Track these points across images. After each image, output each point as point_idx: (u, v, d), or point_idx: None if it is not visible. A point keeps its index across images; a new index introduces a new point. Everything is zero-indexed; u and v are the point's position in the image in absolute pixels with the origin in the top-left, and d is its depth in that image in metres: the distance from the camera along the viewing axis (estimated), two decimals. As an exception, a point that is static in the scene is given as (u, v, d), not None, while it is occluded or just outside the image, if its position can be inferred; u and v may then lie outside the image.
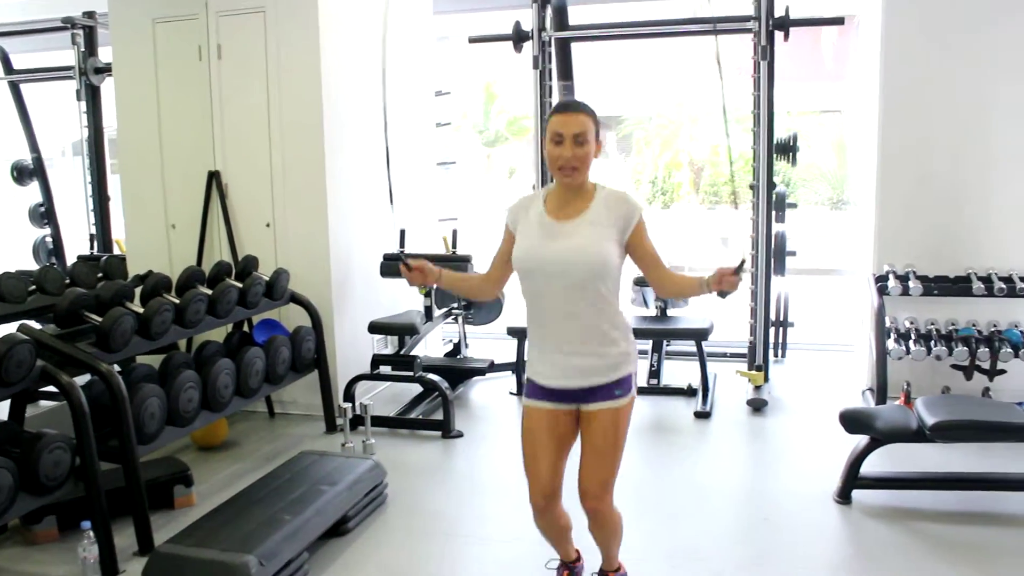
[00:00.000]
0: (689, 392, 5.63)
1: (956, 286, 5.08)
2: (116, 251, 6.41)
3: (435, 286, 5.49)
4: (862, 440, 3.84)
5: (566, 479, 2.89)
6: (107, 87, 6.51)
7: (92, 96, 6.54)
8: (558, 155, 2.69)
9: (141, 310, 3.80)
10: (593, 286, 2.71)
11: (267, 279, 4.72)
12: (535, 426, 2.86)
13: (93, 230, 6.59)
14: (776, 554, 3.47)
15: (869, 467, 3.86)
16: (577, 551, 3.15)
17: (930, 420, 3.61)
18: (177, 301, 4.02)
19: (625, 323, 2.84)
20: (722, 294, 2.70)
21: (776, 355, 6.35)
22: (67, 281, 4.96)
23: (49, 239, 6.94)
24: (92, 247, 6.57)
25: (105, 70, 6.41)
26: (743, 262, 2.69)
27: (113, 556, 3.32)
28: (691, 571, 3.34)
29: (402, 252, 5.59)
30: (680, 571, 3.35)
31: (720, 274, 2.68)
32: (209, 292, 4.24)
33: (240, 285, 4.48)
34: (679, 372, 6.06)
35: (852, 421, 3.85)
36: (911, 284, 5.03)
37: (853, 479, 3.83)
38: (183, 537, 3.14)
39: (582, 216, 2.74)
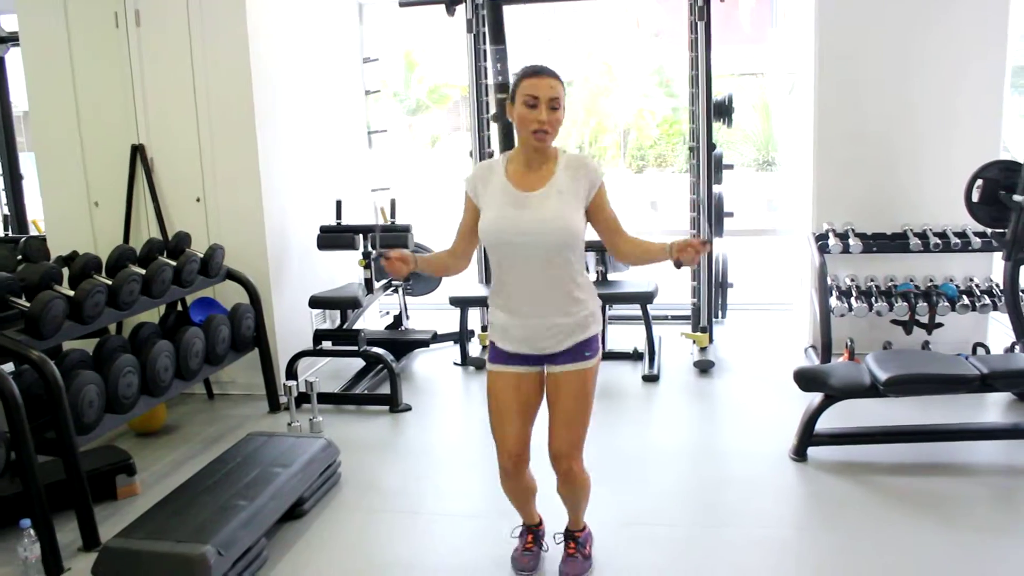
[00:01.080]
0: (635, 356, 5.63)
1: (894, 243, 5.16)
2: (34, 232, 6.08)
3: (373, 257, 5.44)
4: (816, 397, 3.87)
5: (534, 442, 2.88)
6: (13, 58, 6.14)
7: (-4, 65, 6.16)
8: (533, 118, 2.65)
9: (71, 293, 3.58)
10: (561, 255, 2.71)
11: (201, 256, 4.52)
12: (501, 390, 2.84)
13: (6, 211, 6.24)
14: (735, 513, 3.48)
15: (821, 424, 3.90)
16: (539, 516, 3.15)
17: (883, 375, 3.66)
18: (109, 282, 3.80)
19: (590, 284, 2.84)
20: (679, 264, 2.68)
21: (717, 316, 6.39)
22: (-16, 265, 4.71)
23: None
24: (6, 228, 6.22)
25: (10, 39, 6.04)
26: (706, 242, 2.70)
27: (57, 553, 3.14)
28: (649, 534, 3.33)
29: (339, 223, 5.44)
30: (638, 535, 3.33)
31: (685, 244, 2.66)
32: (142, 272, 4.03)
33: (174, 263, 4.27)
34: (621, 336, 6.05)
35: (807, 379, 3.88)
36: (851, 242, 5.10)
37: (808, 436, 3.86)
38: (133, 530, 2.98)
39: (548, 185, 2.72)
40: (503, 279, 2.78)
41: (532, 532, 3.13)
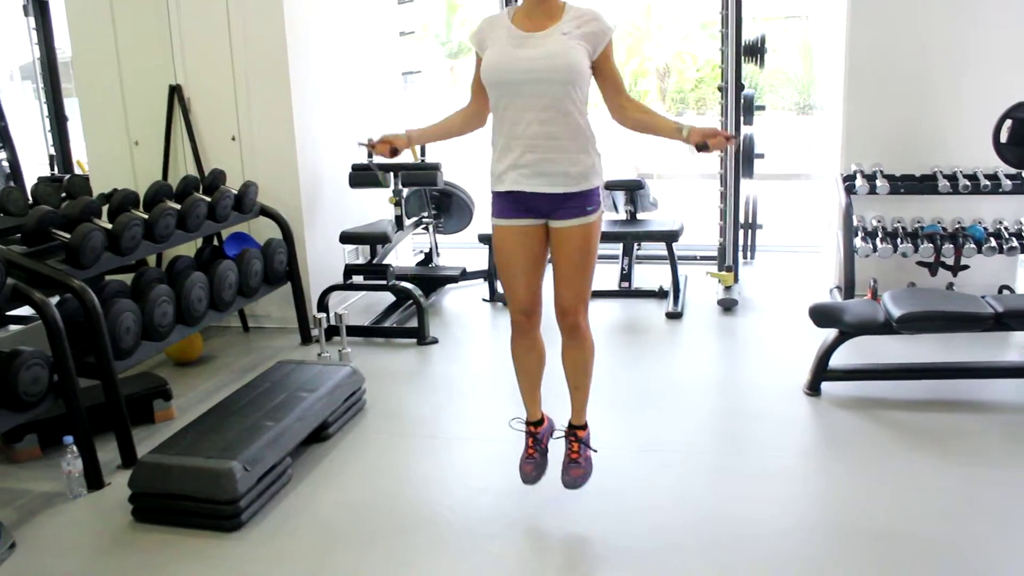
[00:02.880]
0: (660, 294, 5.70)
1: (922, 184, 5.14)
2: (78, 172, 6.28)
3: (404, 195, 5.54)
4: (831, 333, 3.93)
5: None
6: (56, 2, 6.28)
7: (41, 12, 6.30)
8: None
9: (110, 226, 3.75)
10: (564, 92, 2.74)
11: (235, 192, 4.66)
12: (506, 244, 2.92)
13: (52, 151, 6.44)
14: (748, 443, 3.59)
15: (837, 360, 3.96)
16: (543, 414, 3.21)
17: (896, 312, 3.70)
18: (146, 216, 3.97)
19: (593, 135, 2.86)
20: (701, 147, 2.74)
21: (745, 257, 6.42)
22: (30, 202, 4.91)
23: (5, 163, 6.76)
24: (53, 168, 6.42)
25: (53, -18, 6.17)
26: (734, 137, 2.72)
27: (98, 469, 3.35)
28: (664, 460, 3.44)
29: (371, 162, 5.53)
30: (652, 460, 3.45)
31: (712, 131, 2.73)
32: (178, 207, 4.19)
33: (208, 199, 4.43)
34: (650, 275, 6.12)
35: (821, 315, 3.93)
36: (878, 183, 5.09)
37: (822, 371, 3.93)
38: (166, 447, 3.18)
39: (553, 27, 2.77)
40: (506, 122, 2.81)
41: (532, 435, 3.14)
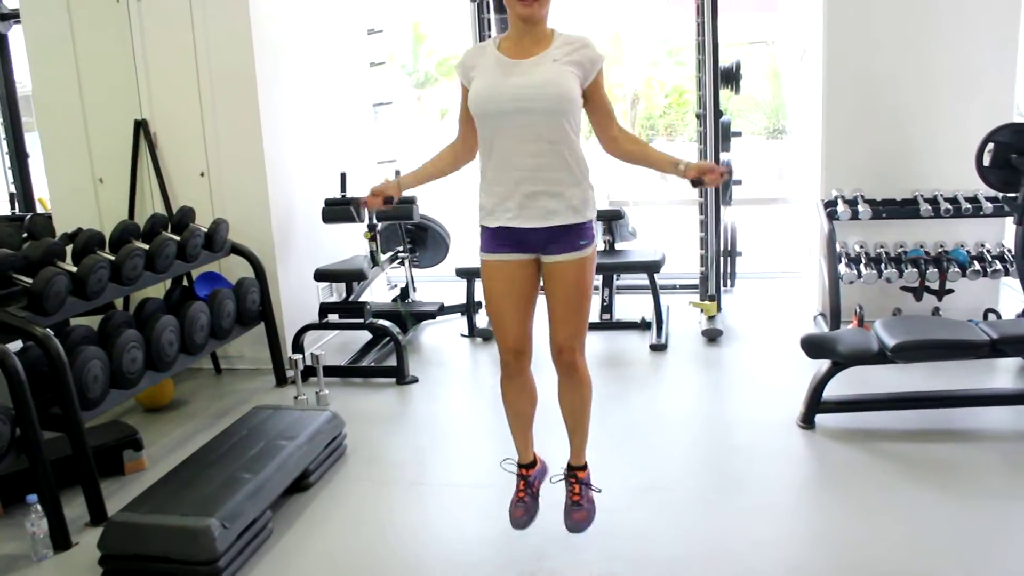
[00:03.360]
0: (643, 325, 5.61)
1: (904, 208, 5.11)
2: (40, 210, 6.08)
3: (379, 229, 5.41)
4: (823, 364, 3.84)
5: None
6: (16, 35, 6.11)
7: (0, 44, 6.12)
8: None
9: (74, 269, 3.58)
10: (555, 122, 2.64)
11: (205, 230, 4.50)
12: (495, 281, 2.80)
13: (12, 189, 6.24)
14: (744, 480, 3.46)
15: (829, 391, 3.87)
16: (535, 455, 3.09)
17: (891, 341, 3.62)
18: (112, 258, 3.80)
19: (586, 166, 2.75)
20: (697, 183, 2.67)
21: (725, 285, 6.35)
22: (-11, 242, 4.71)
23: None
24: (13, 207, 6.22)
25: (11, 16, 6.01)
26: (729, 173, 2.66)
27: (64, 529, 3.15)
28: (659, 500, 3.31)
29: (344, 196, 5.40)
30: (646, 501, 3.31)
31: (709, 167, 2.67)
32: (146, 247, 4.02)
33: (178, 238, 4.27)
34: (630, 306, 6.03)
35: (813, 346, 3.84)
36: (860, 208, 5.05)
37: (816, 403, 3.84)
38: (138, 504, 2.99)
39: (543, 53, 2.67)
40: (495, 155, 2.70)
41: (523, 479, 3.04)
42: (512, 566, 2.92)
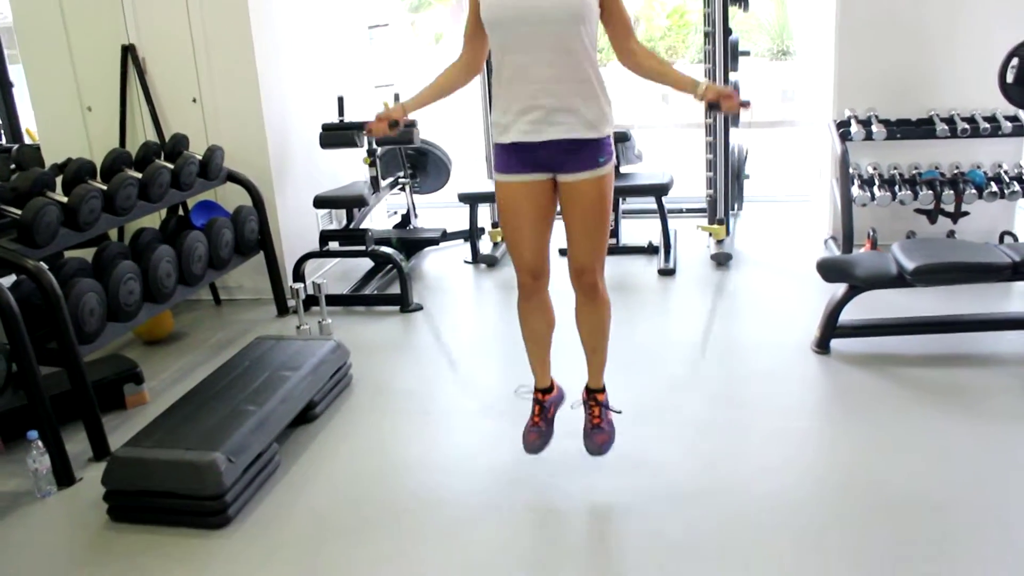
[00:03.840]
0: (650, 250, 5.50)
1: (919, 128, 4.95)
2: (28, 141, 5.90)
3: (379, 154, 5.27)
4: (839, 288, 3.74)
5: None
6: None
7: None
8: None
9: (65, 199, 3.44)
10: (573, 30, 2.51)
11: (200, 158, 4.36)
12: (511, 202, 2.71)
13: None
14: (755, 406, 3.40)
15: (844, 316, 3.78)
16: (552, 380, 3.04)
17: (910, 264, 3.51)
18: (105, 187, 3.66)
19: (602, 81, 2.64)
20: (713, 107, 2.56)
21: (734, 208, 6.22)
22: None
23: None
24: (0, 138, 6.04)
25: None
26: (747, 104, 2.55)
27: (67, 464, 3.09)
28: (667, 427, 3.25)
29: (341, 120, 5.24)
30: (654, 427, 3.25)
31: (728, 93, 2.55)
32: (139, 176, 3.88)
33: (171, 166, 4.12)
34: (637, 231, 5.91)
35: (830, 269, 3.74)
36: (874, 129, 4.89)
37: (832, 328, 3.75)
38: (142, 438, 2.92)
39: None
40: (508, 67, 2.58)
41: (539, 403, 2.99)
42: (520, 493, 2.87)
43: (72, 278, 3.31)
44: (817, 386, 3.58)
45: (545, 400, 3.01)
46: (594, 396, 2.99)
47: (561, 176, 2.65)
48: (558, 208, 2.74)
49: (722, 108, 2.57)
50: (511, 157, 2.66)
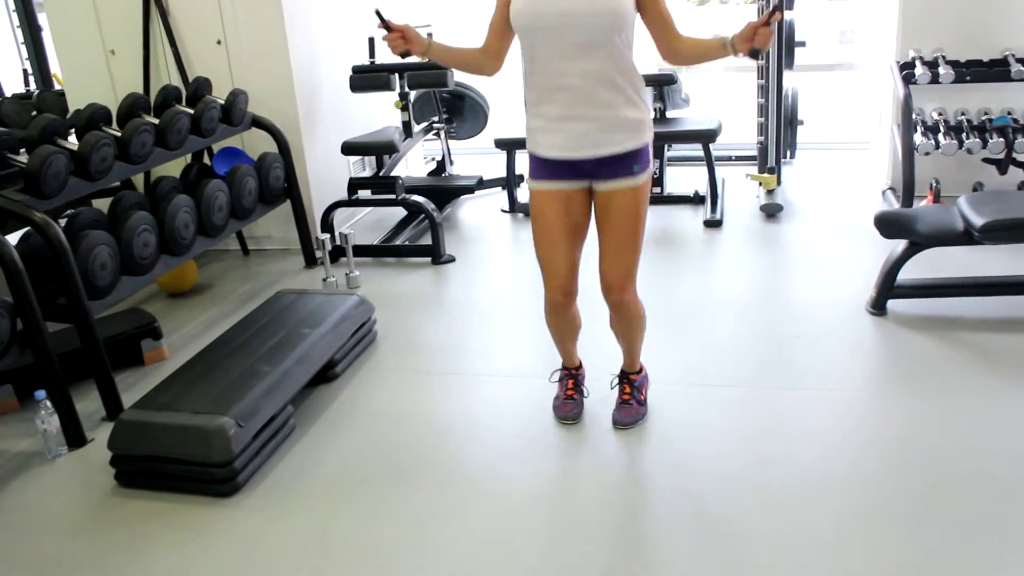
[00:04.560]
0: (696, 200, 5.23)
1: (991, 70, 4.59)
2: (57, 87, 5.77)
3: (412, 98, 5.04)
4: (899, 245, 3.46)
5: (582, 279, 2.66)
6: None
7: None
8: None
9: (76, 147, 3.29)
10: (606, 39, 2.33)
11: (222, 102, 4.17)
12: (545, 211, 2.56)
13: (27, 66, 5.92)
14: (803, 372, 3.15)
15: (903, 275, 3.50)
16: (579, 359, 2.98)
17: (979, 220, 3.21)
18: (119, 133, 3.50)
19: (641, 85, 2.48)
20: (755, 53, 2.32)
21: (785, 156, 5.90)
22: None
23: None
24: (27, 84, 5.92)
25: None
26: (776, 8, 2.27)
27: (77, 425, 2.97)
28: (709, 394, 3.03)
29: (372, 63, 5.02)
30: (698, 395, 3.04)
31: (751, 28, 2.29)
32: (155, 121, 3.71)
33: (191, 111, 3.95)
34: (682, 179, 5.63)
35: (889, 224, 3.46)
36: (941, 71, 4.54)
37: (889, 287, 3.48)
38: (150, 400, 2.78)
39: None
40: (540, 75, 2.42)
41: (572, 377, 2.94)
42: (549, 463, 2.69)
43: (83, 231, 3.16)
44: (871, 351, 3.32)
45: (578, 375, 2.97)
46: (627, 376, 2.91)
47: (596, 184, 2.51)
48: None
49: (758, 44, 2.30)
50: (545, 166, 2.51)
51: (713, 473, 2.57)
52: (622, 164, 2.45)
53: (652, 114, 2.49)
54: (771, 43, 2.39)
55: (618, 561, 2.22)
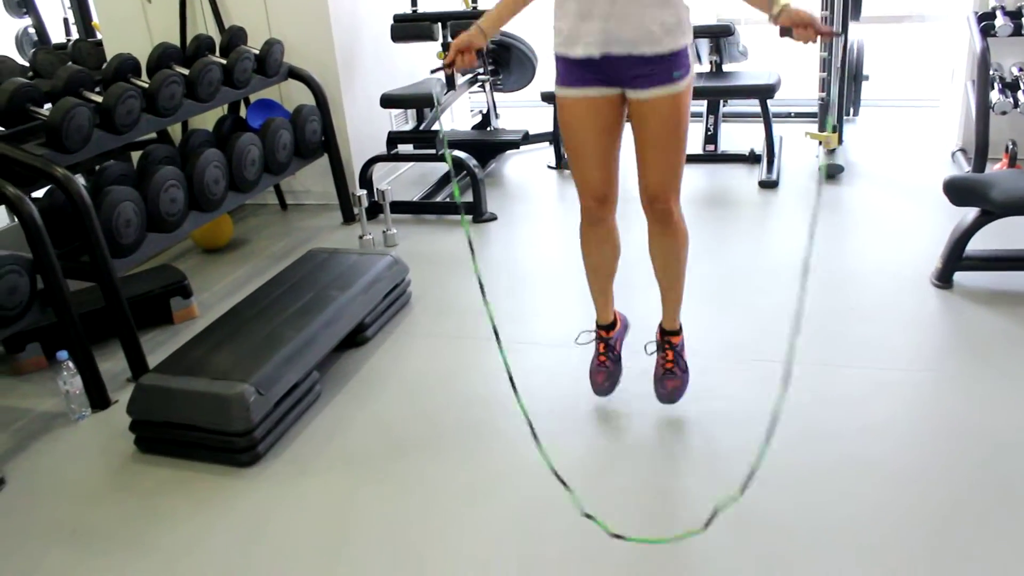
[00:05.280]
0: (752, 159, 4.98)
1: (1079, 20, 4.23)
2: (98, 36, 5.68)
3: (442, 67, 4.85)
4: (970, 213, 3.21)
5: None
6: None
7: None
8: None
9: (100, 99, 3.18)
10: None
11: (257, 53, 4.04)
12: (575, 119, 2.37)
13: (68, 14, 5.83)
14: (866, 350, 2.92)
15: (973, 245, 3.25)
16: (616, 314, 2.74)
17: (1060, 187, 2.95)
18: (146, 85, 3.39)
19: None
20: (786, 32, 2.11)
21: (848, 114, 5.59)
22: (30, 75, 4.37)
23: (32, 28, 6.19)
24: (68, 33, 5.83)
25: None
26: (835, 33, 2.05)
27: (101, 386, 2.90)
28: (761, 371, 2.83)
29: (415, 11, 4.83)
30: (748, 371, 2.85)
31: (803, 18, 2.06)
32: (185, 72, 3.59)
33: (223, 61, 3.81)
34: (737, 136, 5.37)
35: (960, 190, 3.20)
36: None
37: (957, 259, 3.24)
38: (170, 364, 2.69)
39: None
40: None
41: (604, 341, 2.70)
42: (585, 440, 2.55)
43: (107, 186, 3.06)
44: (934, 328, 3.10)
45: (610, 336, 2.71)
46: (668, 339, 2.66)
47: (631, 92, 2.28)
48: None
49: (795, 37, 2.09)
50: (574, 69, 2.30)
51: (753, 453, 2.39)
52: (660, 69, 2.23)
53: (689, 12, 2.25)
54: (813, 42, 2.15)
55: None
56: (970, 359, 2.86)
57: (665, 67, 2.23)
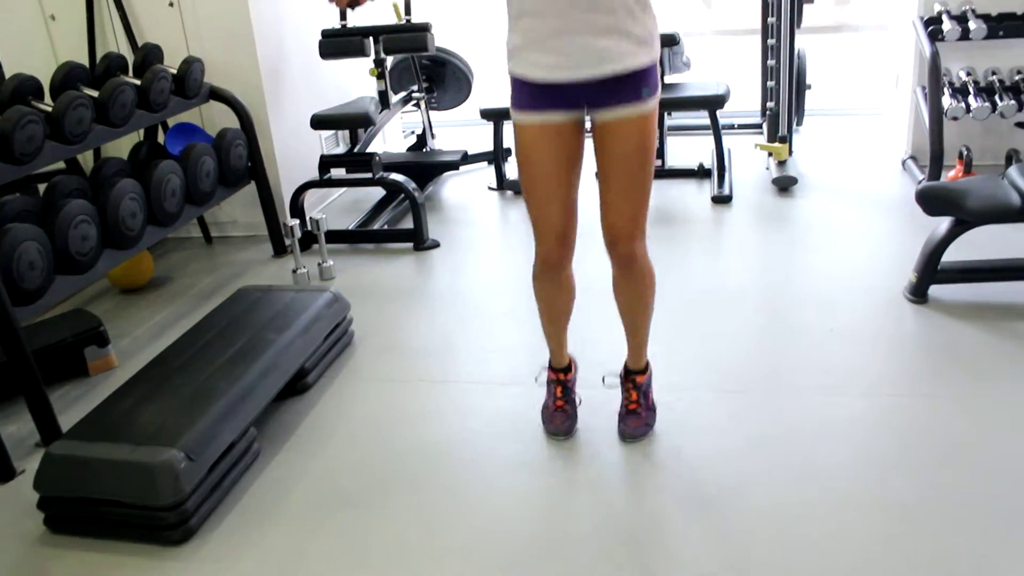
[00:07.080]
0: (701, 173, 4.81)
1: (1026, 24, 4.17)
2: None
3: (389, 65, 4.59)
4: (943, 223, 3.07)
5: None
6: None
7: None
8: None
9: (-2, 126, 2.82)
10: None
11: (175, 72, 3.71)
12: (534, 149, 2.14)
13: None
14: (842, 373, 2.73)
15: (947, 257, 3.11)
16: (570, 357, 2.59)
17: (1040, 195, 2.82)
18: (49, 109, 3.04)
19: None
20: None
21: (793, 123, 5.48)
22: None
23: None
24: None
25: None
26: None
27: (3, 454, 2.54)
28: (729, 399, 2.63)
29: (344, 26, 4.56)
30: (713, 399, 2.64)
31: None
32: (95, 94, 3.25)
33: (138, 82, 3.48)
34: (684, 150, 5.21)
35: (934, 200, 3.05)
36: (971, 25, 4.12)
37: (932, 272, 3.08)
38: (85, 428, 2.35)
39: None
40: None
41: (560, 383, 2.54)
42: (545, 482, 2.33)
43: (11, 223, 2.70)
44: (915, 346, 2.92)
45: (567, 379, 2.55)
46: (632, 378, 2.48)
47: (596, 113, 2.08)
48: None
49: None
50: (531, 91, 2.08)
51: (704, 499, 2.17)
52: (628, 86, 2.03)
53: (657, 26, 2.04)
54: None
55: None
56: (948, 379, 2.68)
57: (633, 84, 2.03)
